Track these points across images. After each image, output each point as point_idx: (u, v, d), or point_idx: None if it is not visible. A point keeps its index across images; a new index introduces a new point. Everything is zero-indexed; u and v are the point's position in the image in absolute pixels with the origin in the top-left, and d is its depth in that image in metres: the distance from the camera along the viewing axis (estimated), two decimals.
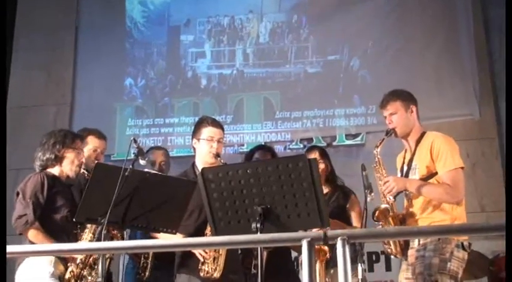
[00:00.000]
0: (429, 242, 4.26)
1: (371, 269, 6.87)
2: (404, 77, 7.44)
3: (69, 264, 4.43)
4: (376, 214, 4.42)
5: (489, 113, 7.46)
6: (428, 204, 4.40)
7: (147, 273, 5.18)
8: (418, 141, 4.57)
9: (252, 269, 4.88)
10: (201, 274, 4.39)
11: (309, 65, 8.16)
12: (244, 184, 3.31)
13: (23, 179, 4.69)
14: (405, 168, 4.59)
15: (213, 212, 3.37)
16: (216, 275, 4.37)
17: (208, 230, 4.30)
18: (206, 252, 4.38)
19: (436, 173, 4.40)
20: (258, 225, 3.21)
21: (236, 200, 3.33)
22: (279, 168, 3.27)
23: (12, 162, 6.93)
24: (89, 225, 4.45)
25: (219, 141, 4.65)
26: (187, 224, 4.38)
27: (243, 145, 7.94)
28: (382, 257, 6.90)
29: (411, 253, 4.39)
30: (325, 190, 5.02)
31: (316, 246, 4.52)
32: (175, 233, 4.19)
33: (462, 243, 4.29)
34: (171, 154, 6.53)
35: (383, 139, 4.60)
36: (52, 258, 4.37)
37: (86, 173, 4.75)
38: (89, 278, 4.42)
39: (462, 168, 4.41)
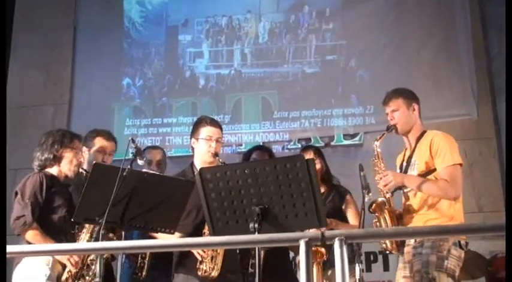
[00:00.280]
0: (426, 239, 4.27)
1: (369, 269, 6.87)
2: (402, 76, 7.45)
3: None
4: (373, 207, 4.45)
5: (487, 112, 7.47)
6: (425, 203, 4.42)
7: (144, 273, 5.17)
8: (418, 139, 4.61)
9: (250, 269, 4.89)
10: (199, 273, 4.39)
11: (307, 65, 8.17)
12: (242, 184, 3.30)
13: (22, 179, 4.69)
14: (404, 164, 4.62)
15: (211, 212, 3.37)
16: (214, 274, 4.37)
17: (206, 230, 4.30)
18: (204, 252, 4.38)
19: (435, 170, 4.43)
20: (256, 225, 3.20)
21: (234, 200, 3.33)
22: (277, 169, 3.27)
23: (10, 162, 6.91)
24: (87, 225, 4.44)
25: (217, 141, 4.66)
26: (185, 223, 4.39)
27: (241, 145, 7.95)
28: (380, 257, 6.90)
29: (407, 250, 4.40)
30: (322, 190, 5.02)
31: (313, 248, 4.54)
32: (173, 233, 4.19)
33: (459, 242, 4.31)
34: (169, 154, 6.54)
35: (383, 134, 4.64)
36: (49, 259, 4.37)
37: (84, 173, 4.75)
38: (87, 277, 4.42)
39: (460, 164, 4.44)
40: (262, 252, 4.48)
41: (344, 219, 5.13)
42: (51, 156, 4.66)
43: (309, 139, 7.81)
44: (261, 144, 7.49)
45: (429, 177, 4.43)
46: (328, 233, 2.62)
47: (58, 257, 4.38)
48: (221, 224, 3.36)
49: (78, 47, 8.76)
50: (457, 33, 7.79)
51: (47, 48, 8.72)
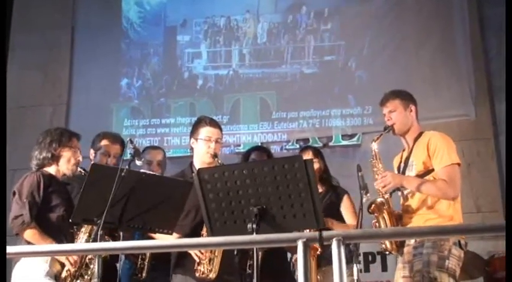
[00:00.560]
0: (427, 239, 4.27)
1: (367, 269, 6.88)
2: (400, 77, 7.46)
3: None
4: (372, 207, 4.44)
5: (485, 113, 7.48)
6: (424, 203, 4.42)
7: (144, 274, 5.17)
8: (415, 140, 4.61)
9: (248, 270, 4.89)
10: (197, 274, 4.39)
11: (305, 65, 8.17)
12: (240, 185, 3.31)
13: (19, 179, 4.68)
14: (402, 165, 4.63)
15: (209, 212, 3.37)
16: (212, 275, 4.37)
17: (204, 231, 4.30)
18: (202, 253, 4.38)
19: (433, 170, 4.43)
20: (254, 225, 3.21)
21: (232, 201, 3.33)
22: (275, 169, 3.27)
23: (9, 162, 6.89)
24: (85, 225, 4.45)
25: (216, 142, 4.65)
26: (183, 224, 4.39)
27: (239, 145, 7.95)
28: (378, 258, 6.91)
29: (407, 250, 4.40)
30: (319, 190, 5.03)
31: None
32: (171, 234, 4.19)
33: (459, 242, 4.31)
34: (167, 154, 6.52)
35: (381, 134, 4.65)
36: (48, 257, 4.37)
37: (83, 172, 4.76)
38: (85, 277, 4.42)
39: (459, 164, 4.44)
40: (260, 253, 4.48)
41: (341, 219, 5.14)
42: (49, 155, 4.66)
43: (307, 139, 7.81)
44: (260, 144, 7.50)
45: (427, 177, 4.43)
46: (326, 233, 2.62)
47: (56, 256, 4.37)
48: (219, 224, 3.36)
49: (76, 48, 8.76)
50: (456, 34, 7.80)
51: (44, 49, 8.72)
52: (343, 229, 4.89)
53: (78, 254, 4.32)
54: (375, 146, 4.64)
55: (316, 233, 2.61)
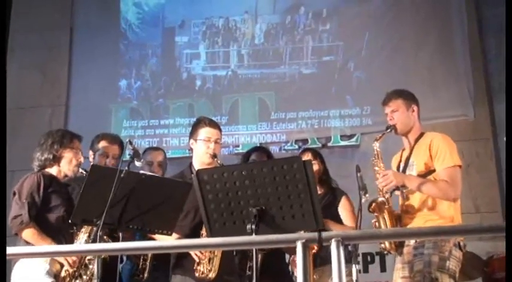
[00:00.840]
0: (426, 239, 4.27)
1: (366, 270, 6.88)
2: (398, 77, 7.47)
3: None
4: (372, 206, 4.43)
5: (483, 113, 7.48)
6: (424, 204, 4.42)
7: (145, 275, 5.17)
8: (416, 140, 4.61)
9: (247, 271, 4.88)
10: (196, 275, 4.39)
11: (304, 66, 8.18)
12: (239, 185, 3.31)
13: (18, 180, 4.69)
14: (402, 165, 4.62)
15: (208, 213, 3.37)
16: (211, 275, 4.37)
17: (203, 231, 4.30)
18: (201, 253, 4.38)
19: (434, 171, 4.43)
20: (253, 226, 3.21)
21: (231, 202, 3.33)
22: (274, 170, 3.27)
23: (7, 163, 6.91)
24: (85, 225, 4.45)
25: (216, 142, 4.65)
26: (183, 224, 4.39)
27: (238, 146, 7.96)
28: (377, 258, 6.90)
29: (407, 251, 4.39)
30: (318, 192, 5.02)
31: None
32: (170, 234, 4.20)
33: (459, 243, 4.32)
34: (166, 155, 6.52)
35: (383, 134, 4.64)
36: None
37: (84, 173, 4.76)
38: (84, 277, 4.43)
39: (460, 166, 4.45)
40: (259, 256, 4.48)
41: (339, 220, 5.13)
42: (51, 156, 4.67)
43: (306, 140, 7.82)
44: (258, 145, 7.50)
45: (428, 178, 4.44)
46: (325, 234, 2.62)
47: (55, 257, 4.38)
48: (218, 225, 3.37)
49: (75, 48, 8.76)
50: (454, 34, 7.81)
51: (43, 49, 8.71)
52: (341, 230, 4.89)
53: (77, 255, 4.32)
54: (376, 145, 4.64)
55: (316, 234, 2.61)
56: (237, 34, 8.46)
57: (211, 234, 3.39)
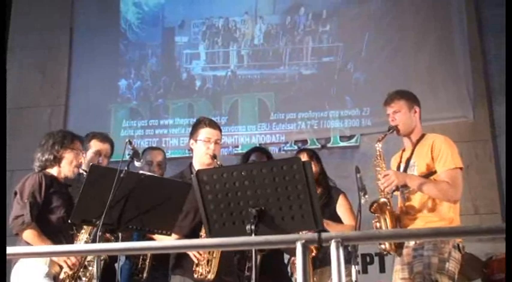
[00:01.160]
0: (427, 241, 4.27)
1: (365, 270, 6.88)
2: (398, 78, 7.48)
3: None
4: (374, 206, 4.43)
5: (483, 115, 7.48)
6: (424, 205, 4.43)
7: (144, 275, 5.17)
8: (418, 141, 4.61)
9: (246, 272, 4.88)
10: (195, 276, 4.38)
11: (304, 66, 8.18)
12: (238, 186, 3.31)
13: (17, 180, 4.68)
14: (403, 166, 4.62)
15: (208, 213, 3.37)
16: (210, 277, 4.37)
17: (203, 232, 4.30)
18: (200, 254, 4.38)
19: (435, 172, 4.43)
20: (253, 227, 3.21)
21: (231, 202, 3.33)
22: (274, 171, 3.27)
23: (7, 163, 6.91)
24: (85, 226, 4.44)
25: (216, 143, 4.64)
26: (182, 225, 4.39)
27: (237, 146, 7.96)
28: (376, 259, 6.91)
29: (407, 252, 4.39)
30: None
31: None
32: (170, 235, 4.19)
33: (458, 245, 4.32)
34: (165, 155, 6.53)
35: (385, 134, 4.63)
36: (47, 258, 4.37)
37: (84, 174, 4.75)
38: (83, 278, 4.42)
39: (461, 168, 4.46)
40: (258, 257, 4.48)
41: (336, 219, 5.13)
42: (52, 157, 4.66)
43: (306, 141, 7.82)
44: (258, 145, 7.50)
45: (430, 178, 4.44)
46: (324, 235, 2.62)
47: (55, 258, 4.38)
48: (218, 225, 3.37)
49: (74, 48, 8.76)
50: (454, 35, 7.81)
51: (43, 49, 8.71)
52: (340, 229, 4.89)
53: (77, 255, 4.32)
54: (379, 146, 4.63)
55: (315, 235, 2.61)
56: (237, 34, 8.46)
57: (210, 234, 3.39)
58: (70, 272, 4.40)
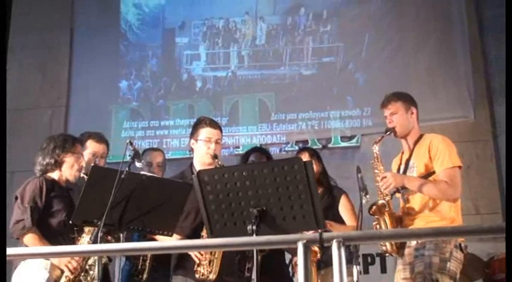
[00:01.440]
0: (429, 240, 4.27)
1: (366, 271, 6.87)
2: (399, 78, 7.48)
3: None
4: (373, 209, 4.44)
5: (483, 115, 7.48)
6: (425, 205, 4.43)
7: (145, 276, 5.16)
8: (416, 142, 4.62)
9: (246, 273, 4.87)
10: (197, 276, 4.38)
11: (304, 67, 8.18)
12: (240, 186, 3.31)
13: (18, 181, 4.69)
14: (402, 167, 4.63)
15: (209, 214, 3.37)
16: (211, 277, 4.36)
17: (204, 232, 4.29)
18: (202, 254, 4.38)
19: (434, 172, 4.44)
20: (254, 227, 3.21)
21: (232, 202, 3.33)
22: (275, 171, 3.27)
23: (7, 164, 6.90)
24: (86, 230, 4.43)
25: (216, 142, 4.63)
26: (183, 226, 4.39)
27: (238, 147, 7.95)
28: (377, 259, 6.90)
29: (408, 252, 4.39)
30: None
31: None
32: (171, 235, 4.19)
33: (460, 244, 4.32)
34: (166, 156, 6.52)
35: (382, 136, 4.64)
36: (47, 263, 4.36)
37: (85, 177, 4.74)
38: None
39: (460, 167, 4.46)
40: (259, 257, 4.48)
41: (339, 219, 5.13)
42: (53, 160, 4.64)
43: (306, 141, 7.82)
44: (259, 146, 7.49)
45: (429, 179, 4.44)
46: (326, 234, 2.62)
47: (56, 262, 4.36)
48: (219, 226, 3.37)
49: (75, 49, 8.76)
50: (454, 35, 7.81)
51: (43, 50, 8.71)
52: (343, 231, 4.88)
53: (77, 257, 4.31)
54: (376, 148, 4.64)
55: (317, 235, 2.60)
56: (237, 35, 8.46)
57: (211, 235, 3.39)
58: (71, 276, 4.38)
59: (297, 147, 7.66)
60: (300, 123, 7.92)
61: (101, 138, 5.22)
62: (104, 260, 4.34)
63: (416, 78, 7.61)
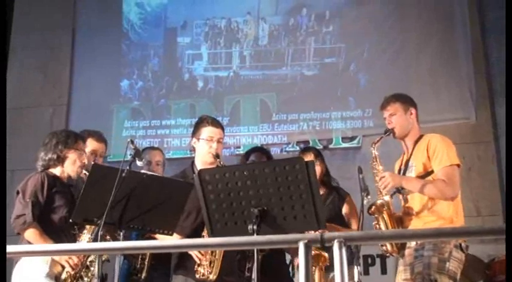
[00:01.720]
0: (428, 241, 4.27)
1: (366, 272, 6.87)
2: (400, 80, 7.49)
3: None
4: (372, 209, 4.45)
5: (485, 116, 7.47)
6: (424, 205, 4.43)
7: (143, 275, 5.16)
8: (415, 143, 4.63)
9: (246, 273, 4.87)
10: (197, 276, 4.37)
11: (306, 67, 8.17)
12: (241, 186, 3.30)
13: (18, 180, 4.68)
14: (402, 168, 4.64)
15: (210, 213, 3.37)
16: (212, 277, 4.35)
17: (205, 232, 4.28)
18: (202, 254, 4.37)
19: (432, 171, 4.44)
20: (255, 227, 3.20)
21: (233, 202, 3.33)
22: (276, 170, 3.27)
23: (7, 163, 6.90)
24: (87, 226, 4.44)
25: (218, 142, 4.62)
26: (184, 225, 4.38)
27: (239, 147, 7.95)
28: (378, 260, 6.90)
29: (408, 253, 4.40)
30: (321, 192, 5.01)
31: (316, 252, 4.54)
32: (171, 235, 4.19)
33: (460, 244, 4.32)
34: (167, 156, 6.53)
35: (381, 137, 4.67)
36: (48, 258, 4.36)
37: (86, 173, 4.74)
38: (85, 278, 4.42)
39: (458, 165, 4.46)
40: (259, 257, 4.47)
41: (343, 221, 5.12)
42: (55, 156, 4.65)
43: (308, 142, 7.81)
44: (260, 146, 7.49)
45: (427, 178, 4.44)
46: (327, 235, 2.61)
47: (57, 258, 4.37)
48: (220, 225, 3.36)
49: (76, 48, 8.76)
50: (456, 37, 7.80)
51: (45, 49, 8.71)
52: None
53: (77, 254, 4.31)
54: (374, 149, 4.65)
55: (318, 235, 2.60)
56: (239, 35, 8.46)
57: (212, 234, 3.39)
58: (72, 272, 4.39)
59: (298, 148, 7.66)
60: (301, 124, 7.91)
61: (100, 137, 5.23)
62: (104, 257, 4.33)
63: (418, 79, 7.61)
